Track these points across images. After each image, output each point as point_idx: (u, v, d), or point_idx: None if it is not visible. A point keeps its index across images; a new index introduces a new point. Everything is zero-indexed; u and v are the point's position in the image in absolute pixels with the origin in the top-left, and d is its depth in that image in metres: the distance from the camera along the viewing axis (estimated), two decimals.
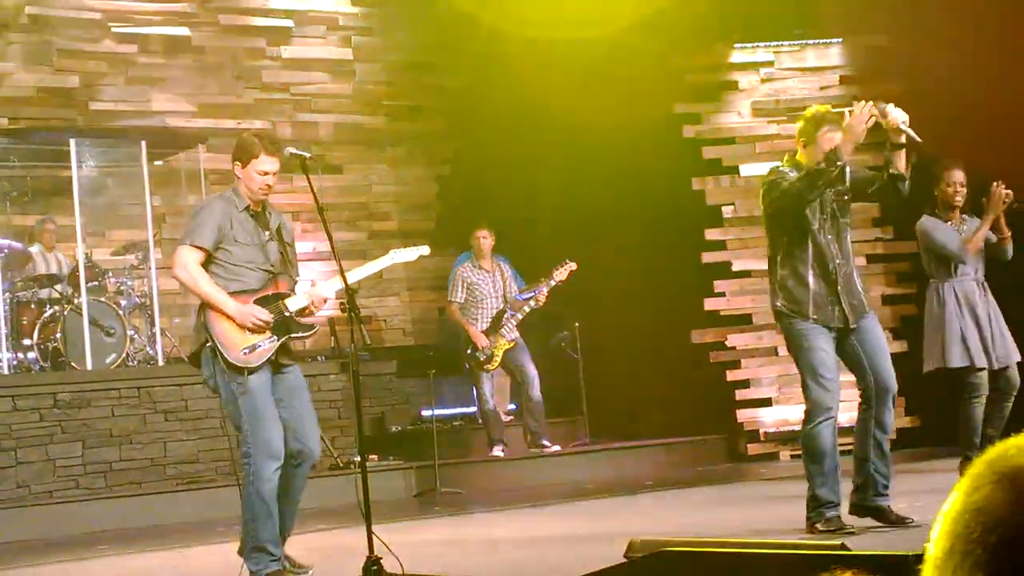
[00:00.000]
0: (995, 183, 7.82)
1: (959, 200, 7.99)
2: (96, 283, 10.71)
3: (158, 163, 11.89)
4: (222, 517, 8.68)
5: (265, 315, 5.85)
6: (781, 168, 6.32)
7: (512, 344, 10.94)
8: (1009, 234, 8.01)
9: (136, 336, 10.68)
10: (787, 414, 11.38)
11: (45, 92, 12.04)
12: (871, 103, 6.16)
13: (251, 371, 5.79)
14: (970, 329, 7.81)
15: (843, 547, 3.83)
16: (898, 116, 6.14)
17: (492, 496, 9.85)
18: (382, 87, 13.61)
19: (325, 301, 6.14)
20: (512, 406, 11.88)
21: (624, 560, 4.13)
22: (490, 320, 10.98)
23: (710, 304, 11.73)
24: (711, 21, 11.76)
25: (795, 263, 6.27)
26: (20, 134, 11.47)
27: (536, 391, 10.93)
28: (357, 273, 6.29)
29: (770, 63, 12.05)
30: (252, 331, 5.83)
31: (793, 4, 12.03)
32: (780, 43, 12.05)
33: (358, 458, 6.29)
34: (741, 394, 11.69)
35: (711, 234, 11.78)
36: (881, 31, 11.80)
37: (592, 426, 11.63)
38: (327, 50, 13.38)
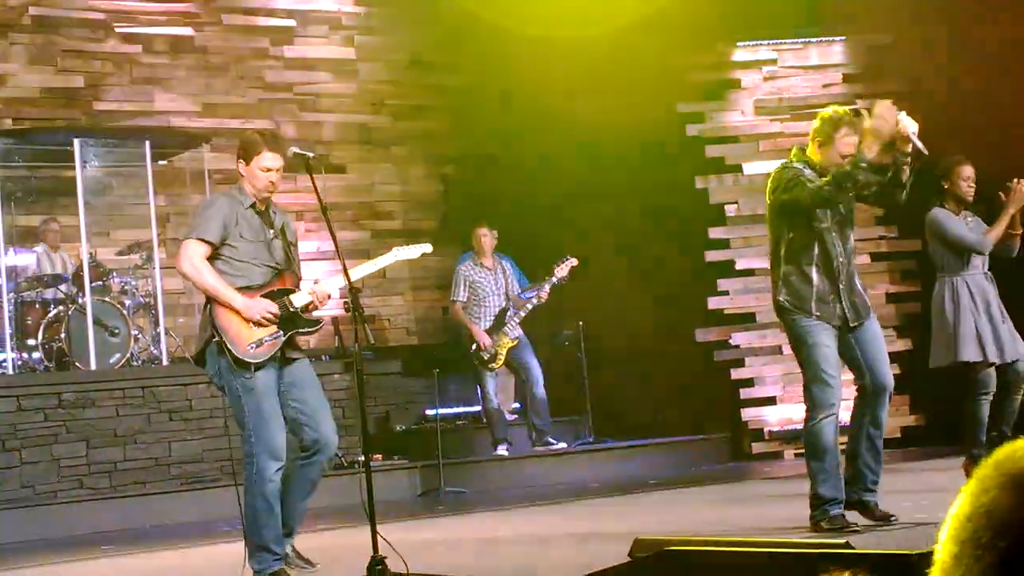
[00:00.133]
0: (1015, 179, 7.80)
1: (971, 195, 7.97)
2: (100, 283, 10.73)
3: (162, 163, 11.89)
4: (226, 517, 8.68)
5: (274, 308, 5.86)
6: (794, 164, 6.25)
7: (515, 342, 10.94)
8: (1021, 231, 7.99)
9: (140, 336, 10.69)
10: (791, 412, 11.38)
11: (49, 92, 12.05)
12: (890, 102, 6.10)
13: (258, 366, 5.79)
14: (984, 324, 7.78)
15: (847, 545, 3.82)
16: (909, 126, 6.08)
17: (496, 495, 9.86)
18: (385, 86, 13.61)
19: (328, 297, 6.14)
20: (516, 405, 11.87)
21: (629, 559, 4.12)
22: (493, 318, 10.98)
23: (714, 303, 11.74)
24: (713, 19, 11.75)
25: (800, 259, 6.25)
26: (24, 134, 11.47)
27: (540, 388, 10.93)
28: (360, 270, 6.29)
29: (773, 61, 12.04)
30: (259, 326, 5.83)
31: (796, 2, 12.02)
32: (783, 41, 12.04)
33: (362, 457, 6.29)
34: (745, 393, 11.70)
35: (714, 232, 11.78)
36: (884, 29, 11.80)
37: (596, 425, 11.62)
38: (330, 50, 13.38)
